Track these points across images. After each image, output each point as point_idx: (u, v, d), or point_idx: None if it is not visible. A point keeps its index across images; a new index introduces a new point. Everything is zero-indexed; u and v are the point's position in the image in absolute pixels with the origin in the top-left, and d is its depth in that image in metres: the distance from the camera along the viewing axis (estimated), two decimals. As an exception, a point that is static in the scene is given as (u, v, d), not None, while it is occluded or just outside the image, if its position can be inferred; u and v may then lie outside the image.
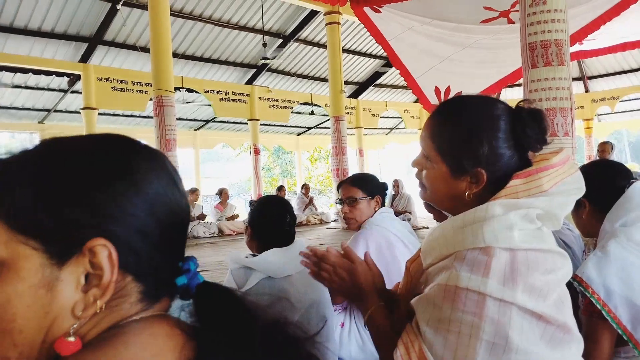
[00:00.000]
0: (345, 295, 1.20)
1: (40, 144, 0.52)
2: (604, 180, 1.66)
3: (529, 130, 0.98)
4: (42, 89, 11.02)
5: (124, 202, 0.48)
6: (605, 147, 7.66)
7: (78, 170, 0.48)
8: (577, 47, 7.97)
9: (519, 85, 4.93)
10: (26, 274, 0.45)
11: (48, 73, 10.23)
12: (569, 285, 1.02)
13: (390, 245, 2.14)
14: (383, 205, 2.32)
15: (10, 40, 9.25)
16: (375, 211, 2.26)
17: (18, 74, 10.02)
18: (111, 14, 9.48)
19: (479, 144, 0.97)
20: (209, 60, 12.07)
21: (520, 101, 1.03)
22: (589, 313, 1.47)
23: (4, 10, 8.74)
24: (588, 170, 1.72)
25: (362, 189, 2.25)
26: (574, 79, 14.73)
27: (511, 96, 13.13)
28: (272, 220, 1.84)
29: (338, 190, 2.38)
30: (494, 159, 0.97)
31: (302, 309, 1.69)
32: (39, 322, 0.45)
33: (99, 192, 0.47)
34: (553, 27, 3.13)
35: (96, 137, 0.54)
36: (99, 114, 10.48)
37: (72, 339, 0.46)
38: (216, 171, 25.00)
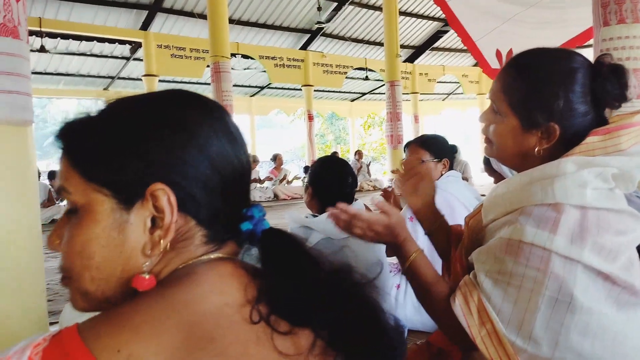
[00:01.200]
0: (386, 245, 1.18)
1: (107, 104, 0.57)
2: None
3: (608, 85, 0.94)
4: (106, 56, 11.45)
5: (180, 152, 0.52)
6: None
7: (137, 125, 0.53)
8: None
9: (588, 46, 4.64)
10: (100, 217, 0.51)
11: (111, 41, 10.58)
12: None
13: (453, 210, 2.09)
14: (452, 168, 2.27)
15: (76, 9, 9.60)
16: (442, 174, 2.21)
17: (83, 42, 10.43)
18: (169, -20, 9.63)
19: (554, 97, 0.94)
20: (263, 25, 12.08)
21: (601, 55, 0.98)
22: None
23: (69, -20, 9.04)
24: None
25: (430, 150, 2.21)
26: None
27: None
28: (333, 181, 1.86)
29: (405, 150, 2.33)
30: (569, 113, 0.94)
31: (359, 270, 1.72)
32: (113, 260, 0.51)
33: (155, 144, 0.52)
34: (629, -19, 2.91)
35: (157, 94, 0.58)
36: (159, 80, 10.80)
37: (146, 276, 0.51)
38: (271, 137, 25.32)
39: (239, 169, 0.57)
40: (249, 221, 0.57)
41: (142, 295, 0.49)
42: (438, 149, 2.23)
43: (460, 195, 2.17)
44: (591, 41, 3.35)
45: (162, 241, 0.51)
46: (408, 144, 2.31)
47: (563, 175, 0.90)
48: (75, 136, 0.54)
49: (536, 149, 0.98)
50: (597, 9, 3.07)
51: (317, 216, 1.81)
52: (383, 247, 1.86)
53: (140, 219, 0.51)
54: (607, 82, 0.94)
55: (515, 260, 0.88)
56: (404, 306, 2.14)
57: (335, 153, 12.57)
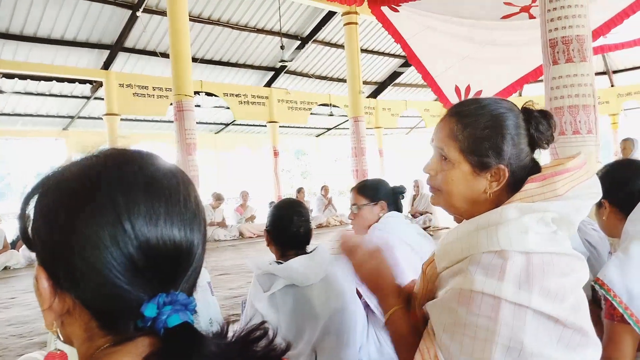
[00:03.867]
0: (372, 289, 1.18)
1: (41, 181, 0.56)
2: (624, 181, 1.61)
3: (541, 127, 1.01)
4: (66, 96, 11.26)
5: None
6: (626, 144, 7.46)
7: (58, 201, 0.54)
8: (601, 41, 7.78)
9: (540, 81, 4.84)
10: None
11: (71, 80, 10.44)
12: (594, 288, 0.99)
13: (391, 248, 2.13)
14: (395, 209, 2.32)
15: (35, 49, 9.47)
16: (380, 216, 2.26)
17: (42, 82, 10.25)
18: (131, 20, 9.64)
19: (503, 140, 0.98)
20: (227, 64, 12.16)
21: (526, 102, 1.05)
22: (610, 316, 1.43)
23: (27, 20, 8.94)
24: (608, 171, 1.67)
25: (365, 195, 2.29)
26: (599, 74, 14.44)
27: (533, 93, 12.90)
28: (282, 223, 1.85)
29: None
30: (515, 155, 0.99)
31: (324, 318, 1.69)
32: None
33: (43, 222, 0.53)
34: (574, 23, 3.05)
35: (88, 169, 0.55)
36: (121, 119, 10.65)
37: (57, 351, 0.58)
38: (237, 173, 25.18)
39: (158, 251, 0.52)
40: (156, 306, 0.51)
41: None
42: (372, 192, 2.29)
43: (402, 234, 2.19)
44: (543, 77, 3.49)
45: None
46: (351, 190, 2.40)
47: (506, 222, 0.92)
48: None
49: (487, 193, 1.00)
50: (546, 48, 3.21)
51: (281, 263, 1.77)
52: (350, 292, 1.84)
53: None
54: (540, 125, 1.01)
55: (468, 310, 0.89)
56: (366, 346, 2.10)
57: (300, 189, 12.54)
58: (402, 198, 2.41)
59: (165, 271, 0.53)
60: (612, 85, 15.25)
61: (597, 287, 1.44)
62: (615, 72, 15.19)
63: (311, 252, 1.83)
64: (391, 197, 2.33)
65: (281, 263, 1.78)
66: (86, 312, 0.52)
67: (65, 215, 0.51)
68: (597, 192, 0.99)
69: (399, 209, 2.35)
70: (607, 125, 14.91)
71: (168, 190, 0.54)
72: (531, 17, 6.84)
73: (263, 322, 0.56)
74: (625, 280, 1.40)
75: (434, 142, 1.07)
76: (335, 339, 1.70)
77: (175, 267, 0.53)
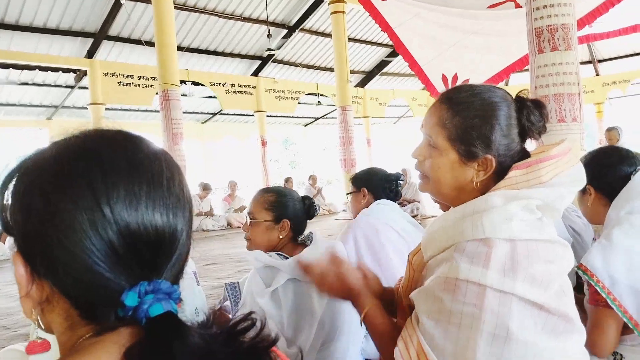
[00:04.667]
0: (343, 299, 1.19)
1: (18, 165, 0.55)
2: (609, 167, 1.63)
3: (533, 117, 1.00)
4: (49, 85, 11.07)
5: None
6: (611, 134, 7.54)
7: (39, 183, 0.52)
8: (586, 30, 7.82)
9: (527, 70, 4.86)
10: None
11: (55, 69, 10.26)
12: (578, 275, 1.00)
13: (378, 232, 2.23)
14: (387, 196, 2.38)
15: (17, 37, 9.28)
16: (363, 203, 2.39)
17: (25, 71, 10.05)
18: (115, 8, 9.47)
19: (491, 130, 0.98)
20: (213, 52, 12.04)
21: (520, 91, 1.04)
22: (594, 301, 1.45)
23: (9, 8, 8.76)
24: (593, 157, 1.69)
25: (353, 184, 2.47)
26: (584, 63, 14.54)
27: (519, 82, 12.97)
28: (302, 213, 1.84)
29: None
30: (504, 145, 0.98)
31: (321, 311, 1.68)
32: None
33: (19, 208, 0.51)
34: (559, 11, 3.06)
35: (66, 150, 0.53)
36: (106, 109, 10.51)
37: (38, 340, 0.57)
38: (224, 163, 25.06)
39: (140, 237, 0.50)
40: (138, 295, 0.49)
41: None
42: (356, 181, 2.45)
43: (389, 220, 2.29)
44: (528, 66, 3.51)
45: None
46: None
47: (491, 210, 0.92)
48: None
49: (474, 182, 1.00)
50: (531, 37, 3.22)
51: (287, 257, 1.73)
52: None
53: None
54: (532, 114, 1.00)
55: (453, 298, 0.89)
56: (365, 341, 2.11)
57: (289, 178, 12.52)
58: (398, 186, 2.46)
59: (147, 258, 0.51)
60: (597, 75, 15.37)
61: (580, 272, 1.46)
62: (600, 61, 15.31)
63: (310, 242, 1.79)
64: (380, 185, 2.40)
65: (283, 256, 1.74)
66: (65, 301, 0.50)
67: (41, 199, 0.49)
68: (581, 178, 0.99)
69: (391, 196, 2.41)
70: (592, 114, 15.06)
71: (150, 173, 0.52)
72: (517, 6, 6.85)
73: (250, 313, 0.54)
74: (608, 265, 1.43)
75: (424, 127, 1.06)
76: (330, 332, 1.69)
77: (157, 253, 0.51)
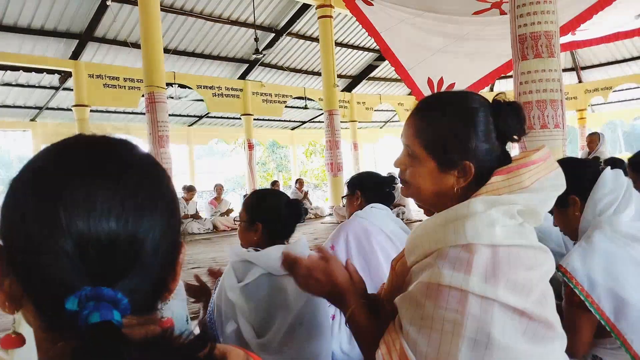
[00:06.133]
0: (326, 297, 1.18)
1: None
2: (583, 172, 1.63)
3: (510, 120, 1.00)
4: (33, 86, 10.94)
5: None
6: (592, 138, 7.64)
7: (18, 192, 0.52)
8: (569, 38, 7.95)
9: (511, 76, 4.93)
10: None
11: (39, 70, 10.14)
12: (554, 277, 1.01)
13: (369, 234, 2.24)
14: (380, 200, 2.39)
15: (0, 37, 9.15)
16: (356, 205, 2.40)
17: (8, 71, 9.93)
18: (101, 10, 9.41)
19: (467, 137, 0.98)
20: (200, 55, 12.00)
21: (497, 94, 1.04)
22: (569, 302, 1.47)
23: (-8, 7, 8.65)
24: (566, 168, 1.70)
25: (348, 187, 2.49)
26: (567, 70, 14.77)
27: (505, 88, 13.12)
28: (283, 212, 1.82)
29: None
30: (481, 151, 0.98)
31: (297, 308, 1.69)
32: None
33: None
34: (543, 19, 3.12)
35: (36, 157, 0.54)
36: (91, 110, 10.41)
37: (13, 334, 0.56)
38: (211, 167, 24.95)
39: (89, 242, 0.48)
40: (78, 300, 0.46)
41: None
42: (351, 184, 2.48)
43: (382, 224, 2.30)
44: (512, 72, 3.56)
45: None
46: None
47: (473, 216, 0.92)
48: None
49: (455, 188, 1.00)
50: (515, 44, 3.27)
51: (258, 250, 1.75)
52: None
53: None
54: (509, 117, 1.00)
55: (435, 304, 0.89)
56: (338, 337, 2.12)
57: (275, 182, 12.52)
58: (392, 189, 2.49)
59: (97, 264, 0.48)
60: (580, 82, 15.62)
61: (559, 274, 1.47)
62: (583, 68, 15.55)
63: (293, 242, 1.81)
64: (372, 189, 2.42)
65: (258, 250, 1.75)
66: (28, 301, 0.50)
67: (12, 200, 0.52)
68: (561, 183, 1.00)
69: (384, 200, 2.43)
70: (575, 121, 15.28)
71: (113, 177, 0.51)
72: (502, 13, 6.94)
73: (206, 332, 0.52)
74: (587, 268, 1.45)
75: (403, 137, 1.07)
76: (307, 329, 1.69)
77: (111, 262, 0.49)
